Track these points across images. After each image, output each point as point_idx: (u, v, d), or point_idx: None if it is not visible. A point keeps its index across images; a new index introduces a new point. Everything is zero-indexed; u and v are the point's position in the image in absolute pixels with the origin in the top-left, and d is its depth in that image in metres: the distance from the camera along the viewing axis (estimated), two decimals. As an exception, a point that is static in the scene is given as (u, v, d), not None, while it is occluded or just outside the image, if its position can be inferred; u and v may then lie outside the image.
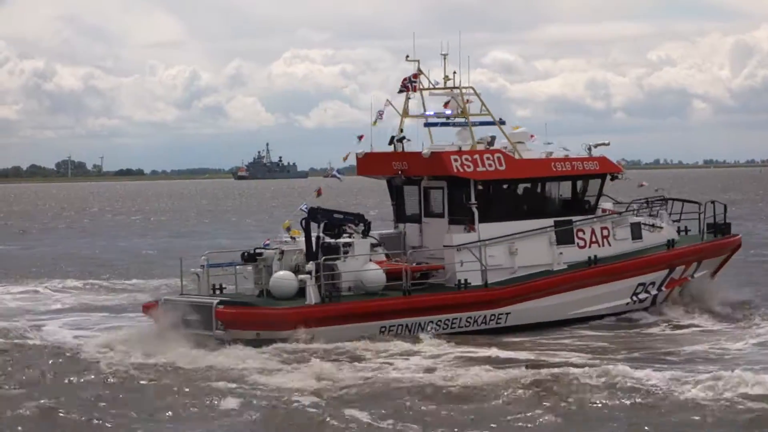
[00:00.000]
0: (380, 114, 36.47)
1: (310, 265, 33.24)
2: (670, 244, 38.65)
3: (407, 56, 36.61)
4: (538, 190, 37.25)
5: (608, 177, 37.87)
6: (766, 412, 24.45)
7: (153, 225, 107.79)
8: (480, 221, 35.81)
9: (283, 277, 33.66)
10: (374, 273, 34.19)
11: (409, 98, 36.90)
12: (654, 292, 38.27)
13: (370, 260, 34.63)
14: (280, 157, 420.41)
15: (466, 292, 34.79)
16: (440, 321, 34.21)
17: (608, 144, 37.67)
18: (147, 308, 34.95)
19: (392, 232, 37.55)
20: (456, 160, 35.58)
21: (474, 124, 36.99)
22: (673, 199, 40.61)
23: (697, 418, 24.28)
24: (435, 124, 37.41)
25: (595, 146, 37.51)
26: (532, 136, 37.75)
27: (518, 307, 35.49)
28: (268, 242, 35.72)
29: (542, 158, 37.16)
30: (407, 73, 36.59)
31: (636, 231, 38.16)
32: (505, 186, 36.80)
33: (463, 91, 36.99)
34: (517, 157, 36.73)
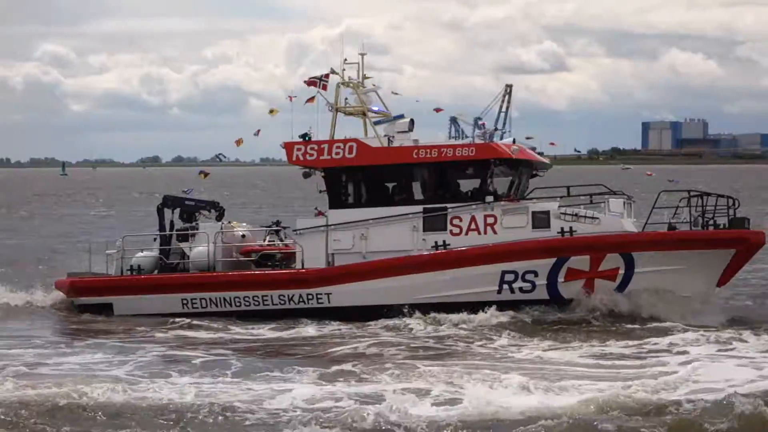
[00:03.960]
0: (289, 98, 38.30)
1: (119, 243, 38.80)
2: (565, 232, 35.72)
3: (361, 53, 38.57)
4: (402, 177, 37.32)
5: (492, 163, 36.46)
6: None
7: None
8: (332, 207, 37.22)
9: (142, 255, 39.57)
10: (197, 252, 38.06)
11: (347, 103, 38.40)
12: (541, 282, 35.49)
13: (214, 243, 38.00)
14: None
15: (269, 272, 37.38)
16: (247, 297, 36.92)
17: (504, 131, 38.27)
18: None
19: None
20: (299, 150, 37.49)
21: (380, 122, 38.42)
22: (704, 194, 35.81)
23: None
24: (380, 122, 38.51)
25: (492, 131, 37.98)
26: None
27: (340, 289, 36.23)
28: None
29: (403, 146, 37.18)
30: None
31: (540, 220, 35.97)
32: (357, 173, 37.38)
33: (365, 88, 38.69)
34: (375, 145, 37.36)
